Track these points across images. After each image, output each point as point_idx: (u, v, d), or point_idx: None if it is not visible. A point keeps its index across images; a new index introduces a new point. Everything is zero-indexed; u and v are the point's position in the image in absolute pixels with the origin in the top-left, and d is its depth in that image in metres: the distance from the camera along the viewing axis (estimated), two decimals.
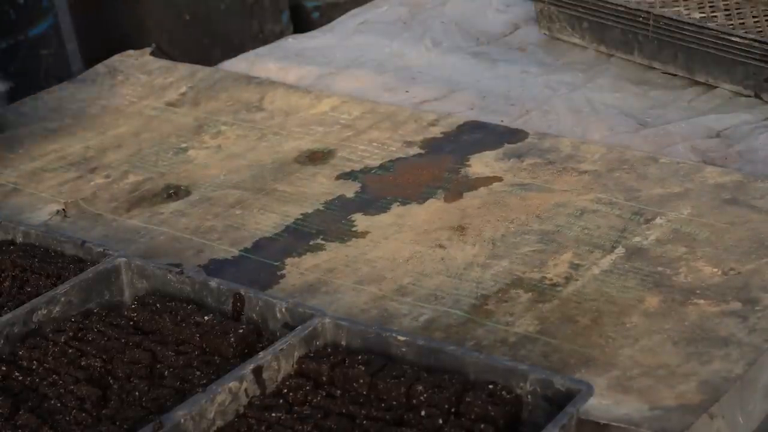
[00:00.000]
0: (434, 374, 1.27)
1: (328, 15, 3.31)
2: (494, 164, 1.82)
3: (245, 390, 1.26)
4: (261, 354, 1.29)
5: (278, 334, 1.36)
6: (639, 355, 1.36)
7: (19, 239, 1.59)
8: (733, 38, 1.99)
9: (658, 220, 1.62)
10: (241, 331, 1.36)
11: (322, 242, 1.65)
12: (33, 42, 2.54)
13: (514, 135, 1.91)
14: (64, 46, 2.89)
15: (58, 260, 1.53)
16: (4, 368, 1.34)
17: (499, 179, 1.77)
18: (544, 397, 1.23)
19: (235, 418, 1.25)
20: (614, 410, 1.27)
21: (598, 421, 1.26)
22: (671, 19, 2.08)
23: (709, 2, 2.15)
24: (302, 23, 3.65)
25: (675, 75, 2.12)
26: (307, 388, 1.28)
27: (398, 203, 1.73)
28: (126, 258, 1.49)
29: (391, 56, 2.31)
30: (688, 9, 2.13)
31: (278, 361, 1.30)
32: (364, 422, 1.22)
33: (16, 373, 1.34)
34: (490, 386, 1.24)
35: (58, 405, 1.27)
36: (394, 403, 1.25)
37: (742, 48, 1.98)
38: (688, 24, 2.06)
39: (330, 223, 1.69)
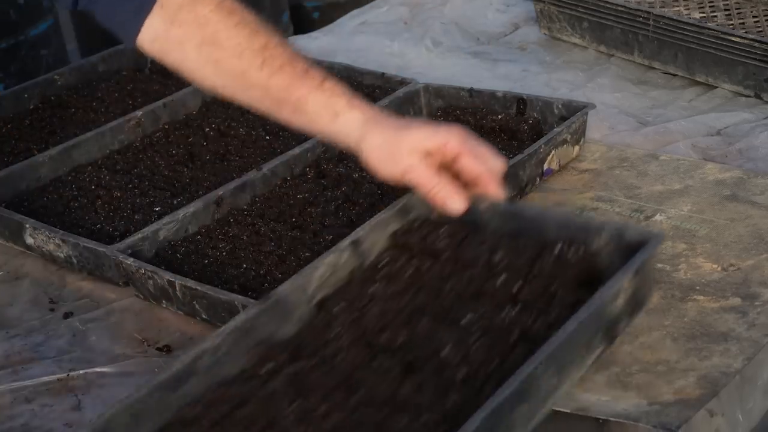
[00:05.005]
0: (515, 238, 1.34)
1: (328, 15, 3.31)
2: None
3: (344, 263, 1.35)
4: (359, 228, 1.40)
5: (555, 125, 1.76)
6: (638, 351, 1.35)
7: None
8: (733, 38, 1.99)
9: (658, 217, 1.63)
10: (530, 122, 1.82)
11: None
12: (33, 42, 2.54)
13: None
14: (64, 46, 2.88)
15: (362, 88, 1.95)
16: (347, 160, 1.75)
17: None
18: (619, 248, 1.29)
19: (335, 290, 1.31)
20: (613, 406, 1.27)
21: (597, 417, 1.26)
22: (671, 19, 2.08)
23: (709, 2, 2.16)
24: (302, 24, 3.65)
25: (675, 75, 2.12)
26: (401, 260, 1.35)
27: None
28: (424, 83, 1.94)
29: (392, 56, 2.32)
30: (688, 9, 2.13)
31: (374, 235, 1.38)
32: (452, 293, 1.29)
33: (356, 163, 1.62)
34: (568, 243, 1.31)
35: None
36: (478, 271, 1.31)
37: (742, 48, 1.98)
38: (688, 24, 2.06)
39: None
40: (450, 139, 1.34)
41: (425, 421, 1.13)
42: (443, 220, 1.36)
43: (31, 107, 2.09)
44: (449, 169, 1.36)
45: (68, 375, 1.44)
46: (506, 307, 1.25)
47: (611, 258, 1.29)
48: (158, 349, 1.48)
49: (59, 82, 2.15)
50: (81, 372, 1.44)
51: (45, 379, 1.44)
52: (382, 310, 1.28)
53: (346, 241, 1.35)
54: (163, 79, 2.18)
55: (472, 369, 1.18)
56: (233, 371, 1.21)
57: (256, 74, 1.39)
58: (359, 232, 1.37)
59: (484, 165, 1.36)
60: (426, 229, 1.37)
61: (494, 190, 1.36)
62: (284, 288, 1.28)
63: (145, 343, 1.49)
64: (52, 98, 2.11)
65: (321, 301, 1.31)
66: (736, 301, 1.43)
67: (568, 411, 1.26)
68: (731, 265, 1.50)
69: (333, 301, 1.31)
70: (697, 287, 1.46)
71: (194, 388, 1.19)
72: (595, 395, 1.28)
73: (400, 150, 1.34)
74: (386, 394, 1.17)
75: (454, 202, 1.34)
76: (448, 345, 1.21)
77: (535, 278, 1.28)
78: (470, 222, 1.34)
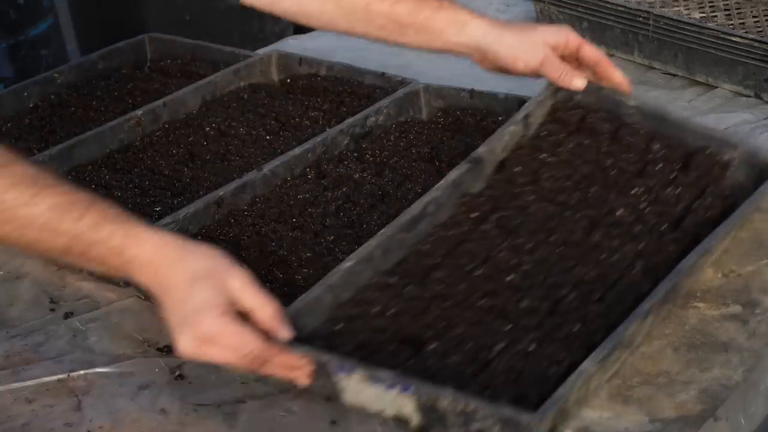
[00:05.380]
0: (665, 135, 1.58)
1: None
2: None
3: (518, 132, 1.60)
4: (527, 103, 1.63)
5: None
6: (639, 362, 1.35)
7: (323, 72, 2.07)
8: (733, 38, 2.00)
9: None
10: None
11: None
12: (33, 42, 2.54)
13: None
14: (64, 46, 2.89)
15: (363, 88, 2.00)
16: (353, 156, 1.78)
17: None
18: (749, 164, 1.53)
19: (512, 153, 1.58)
20: (615, 425, 1.27)
21: None
22: (671, 19, 2.08)
23: (709, 2, 2.16)
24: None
25: (675, 75, 2.12)
26: (562, 133, 1.60)
27: None
28: (425, 83, 1.93)
29: (392, 56, 2.31)
30: (688, 9, 2.14)
31: (538, 109, 1.62)
32: (612, 172, 1.53)
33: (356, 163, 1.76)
34: (708, 150, 1.54)
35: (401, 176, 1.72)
36: (637, 155, 1.55)
37: (742, 48, 1.98)
38: (688, 24, 2.06)
39: None
40: (569, 34, 1.59)
41: (620, 258, 1.41)
42: (598, 105, 1.62)
43: (31, 106, 2.09)
44: (570, 58, 1.60)
45: (68, 376, 1.44)
46: (669, 187, 1.51)
47: (738, 170, 1.54)
48: (159, 349, 1.47)
49: (59, 80, 2.15)
50: (81, 373, 1.44)
51: (45, 379, 1.43)
52: (553, 176, 1.54)
53: (519, 115, 1.61)
54: (163, 77, 2.18)
55: (646, 227, 1.46)
56: (449, 214, 1.50)
57: (379, 6, 1.61)
58: (529, 108, 1.62)
59: (600, 52, 1.61)
60: (584, 111, 1.62)
61: (615, 72, 1.61)
62: (481, 150, 1.56)
63: (146, 343, 1.49)
64: (52, 96, 2.11)
65: (500, 162, 1.57)
66: (736, 308, 1.43)
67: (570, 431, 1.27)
68: (731, 271, 1.49)
69: (510, 164, 1.57)
70: (698, 294, 1.46)
71: (423, 229, 1.46)
72: (596, 411, 1.28)
73: (536, 44, 1.58)
74: (580, 238, 1.45)
75: (578, 80, 1.59)
76: (620, 208, 1.48)
77: (692, 169, 1.53)
78: (620, 117, 1.60)
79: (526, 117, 1.61)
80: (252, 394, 1.38)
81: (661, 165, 1.55)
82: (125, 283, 1.58)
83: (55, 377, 1.44)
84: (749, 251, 1.53)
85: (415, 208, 1.47)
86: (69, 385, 1.43)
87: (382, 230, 1.44)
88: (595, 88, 1.64)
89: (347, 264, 1.39)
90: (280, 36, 3.38)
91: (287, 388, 1.37)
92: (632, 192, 1.51)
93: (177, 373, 1.42)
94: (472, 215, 1.50)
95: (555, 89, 1.62)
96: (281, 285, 1.49)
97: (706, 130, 1.60)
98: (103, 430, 1.35)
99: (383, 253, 1.42)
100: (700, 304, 1.43)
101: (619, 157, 1.56)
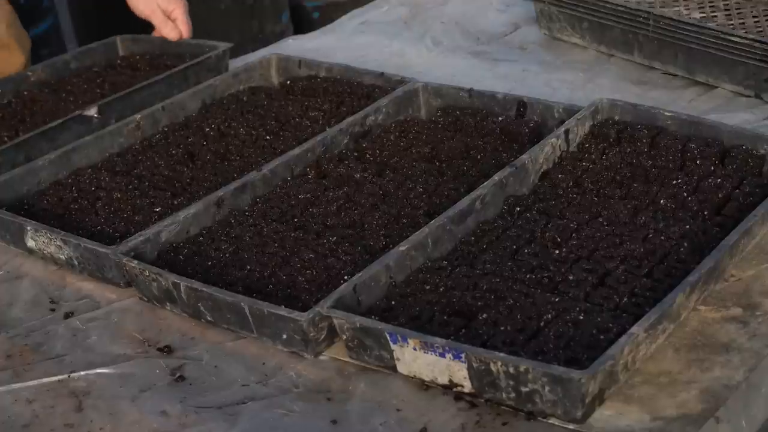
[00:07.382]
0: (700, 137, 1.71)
1: (328, 15, 3.31)
2: None
3: (559, 146, 1.72)
4: (568, 121, 1.75)
5: (555, 128, 1.78)
6: (640, 362, 1.34)
7: (322, 74, 2.08)
8: (733, 38, 1.99)
9: None
10: (531, 125, 1.82)
11: None
12: (33, 42, 2.53)
13: None
14: (64, 46, 2.89)
15: (362, 88, 2.01)
16: (353, 156, 1.80)
17: None
18: None
19: (554, 165, 1.71)
20: (616, 422, 1.26)
21: None
22: (671, 19, 2.08)
23: (709, 2, 2.15)
24: (302, 24, 3.66)
25: (675, 75, 2.12)
26: (602, 145, 1.73)
27: None
28: (423, 82, 1.95)
29: (392, 56, 2.32)
30: (688, 9, 2.13)
31: (579, 127, 1.75)
32: (652, 170, 1.65)
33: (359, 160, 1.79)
34: (744, 146, 1.67)
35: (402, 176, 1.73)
36: (677, 155, 1.67)
37: (742, 48, 1.98)
38: (688, 24, 2.05)
39: None
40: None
41: (667, 238, 1.50)
42: (635, 120, 1.77)
43: (4, 102, 2.14)
44: None
45: (69, 376, 1.44)
46: (709, 178, 1.62)
47: None
48: (159, 349, 1.48)
49: (32, 78, 2.21)
50: (82, 373, 1.44)
51: (46, 380, 1.44)
52: (596, 179, 1.65)
53: (560, 130, 1.73)
54: (132, 71, 2.23)
55: (690, 212, 1.56)
56: (494, 213, 1.61)
57: None
58: (569, 124, 1.74)
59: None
60: (620, 125, 1.76)
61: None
62: (522, 158, 1.67)
63: (146, 343, 1.49)
64: (25, 93, 2.16)
65: (543, 173, 1.69)
66: (737, 311, 1.42)
67: (572, 427, 1.26)
68: (732, 275, 1.49)
69: (553, 173, 1.68)
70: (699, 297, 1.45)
71: (470, 223, 1.57)
72: (598, 409, 1.28)
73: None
74: (626, 219, 1.55)
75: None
76: (663, 198, 1.58)
77: (729, 163, 1.65)
78: (657, 127, 1.74)
79: (567, 132, 1.73)
80: (253, 395, 1.37)
81: (699, 161, 1.66)
82: (125, 283, 1.58)
83: (55, 378, 1.44)
84: (749, 256, 1.52)
85: (464, 203, 1.57)
86: (69, 385, 1.43)
87: (432, 221, 1.54)
88: (631, 106, 1.78)
89: (402, 248, 1.49)
90: (280, 36, 3.39)
91: (288, 389, 1.37)
92: (673, 183, 1.61)
93: (177, 375, 1.42)
94: (516, 209, 1.61)
95: (595, 109, 1.78)
96: (285, 287, 1.49)
97: (740, 129, 1.73)
98: (104, 431, 1.35)
99: (433, 243, 1.52)
100: (701, 307, 1.43)
101: (658, 158, 1.68)
